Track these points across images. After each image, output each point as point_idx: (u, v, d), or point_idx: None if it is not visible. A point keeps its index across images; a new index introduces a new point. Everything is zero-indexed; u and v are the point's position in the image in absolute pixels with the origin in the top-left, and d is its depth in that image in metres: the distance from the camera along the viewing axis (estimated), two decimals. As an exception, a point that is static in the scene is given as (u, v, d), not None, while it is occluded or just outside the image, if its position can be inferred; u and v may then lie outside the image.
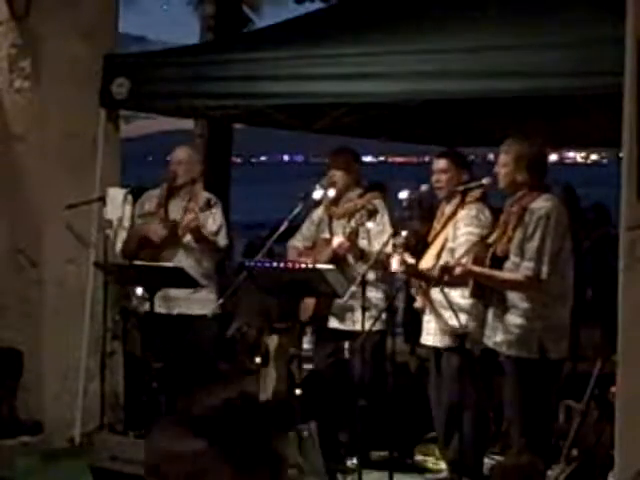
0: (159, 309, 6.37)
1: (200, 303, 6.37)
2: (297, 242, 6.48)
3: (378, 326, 5.92)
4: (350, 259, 6.08)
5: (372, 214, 5.84)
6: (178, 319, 6.43)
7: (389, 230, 5.95)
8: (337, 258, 5.98)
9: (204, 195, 6.47)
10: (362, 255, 6.03)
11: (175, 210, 6.52)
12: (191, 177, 6.55)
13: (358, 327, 5.92)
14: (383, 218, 6.11)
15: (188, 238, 6.37)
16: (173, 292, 6.38)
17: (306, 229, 6.49)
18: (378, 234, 6.00)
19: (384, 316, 5.99)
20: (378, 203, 6.04)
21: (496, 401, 5.90)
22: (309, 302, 6.20)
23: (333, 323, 6.25)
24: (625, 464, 4.25)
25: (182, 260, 6.33)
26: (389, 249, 5.80)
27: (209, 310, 6.27)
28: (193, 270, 6.29)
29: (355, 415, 5.60)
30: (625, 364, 4.31)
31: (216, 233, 6.42)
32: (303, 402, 5.79)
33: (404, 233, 5.63)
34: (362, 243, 6.06)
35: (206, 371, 6.45)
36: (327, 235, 6.33)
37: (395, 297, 6.28)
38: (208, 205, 6.21)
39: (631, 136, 4.26)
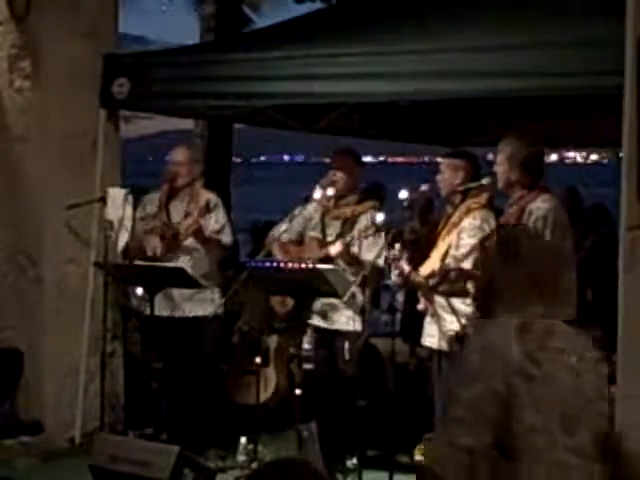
0: (162, 312, 6.38)
1: (203, 304, 6.38)
2: (283, 233, 6.39)
3: (360, 327, 5.90)
4: (341, 264, 6.05)
5: (378, 231, 5.84)
6: (180, 320, 6.44)
7: (382, 242, 5.94)
8: (328, 260, 5.97)
9: (204, 196, 6.48)
10: (353, 262, 6.02)
11: (176, 212, 6.52)
12: (192, 177, 6.56)
13: (341, 327, 5.96)
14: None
15: (189, 241, 6.37)
16: (176, 293, 6.38)
17: (296, 222, 6.42)
18: (372, 246, 5.99)
19: (368, 316, 5.99)
20: (380, 216, 6.00)
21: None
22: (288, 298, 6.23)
23: (316, 321, 6.24)
24: (625, 464, 4.25)
25: (185, 262, 6.34)
26: (381, 263, 5.83)
27: (211, 310, 6.29)
28: (195, 272, 6.30)
29: (355, 415, 5.60)
30: (625, 364, 4.30)
31: (219, 232, 6.43)
32: (303, 402, 5.79)
33: (397, 246, 5.62)
34: (353, 250, 6.05)
35: (207, 372, 6.45)
36: (318, 234, 6.30)
37: (395, 297, 6.29)
38: (207, 209, 6.22)
39: (631, 136, 4.26)
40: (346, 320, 6.10)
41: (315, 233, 6.32)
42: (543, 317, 2.85)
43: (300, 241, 6.41)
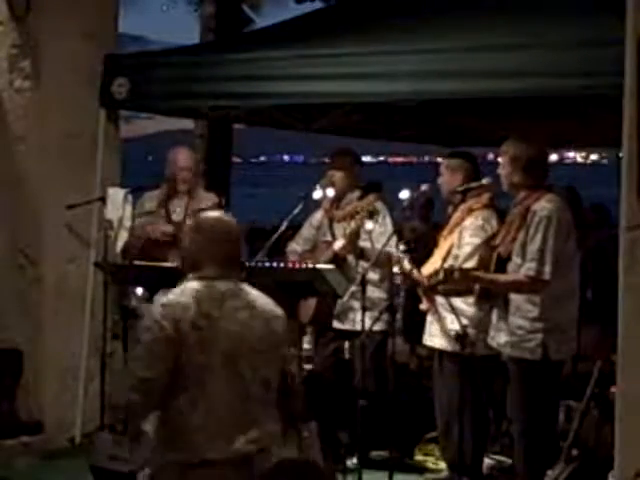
0: None
1: None
2: (297, 246, 6.48)
3: (380, 326, 5.93)
4: (350, 259, 6.09)
5: (372, 214, 5.87)
6: None
7: (390, 228, 5.98)
8: (338, 259, 5.99)
9: (206, 196, 6.54)
10: (362, 254, 6.05)
11: (177, 211, 6.54)
12: (195, 182, 6.59)
13: (359, 327, 5.95)
14: (385, 220, 6.13)
15: None
16: None
17: (306, 232, 6.50)
18: (380, 235, 6.01)
19: (386, 316, 5.99)
20: (379, 205, 6.07)
21: (496, 401, 5.90)
22: (310, 303, 6.20)
23: (335, 323, 6.26)
24: (625, 464, 4.25)
25: None
26: (393, 249, 5.83)
27: None
28: None
29: (355, 415, 5.60)
30: (625, 364, 4.30)
31: None
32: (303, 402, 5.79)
33: (402, 247, 5.63)
34: (364, 245, 6.07)
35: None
36: (329, 238, 6.34)
37: (396, 296, 6.29)
38: (219, 207, 6.27)
39: (631, 136, 4.25)
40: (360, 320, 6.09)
41: (326, 238, 6.37)
42: (227, 280, 3.73)
43: (314, 249, 6.46)
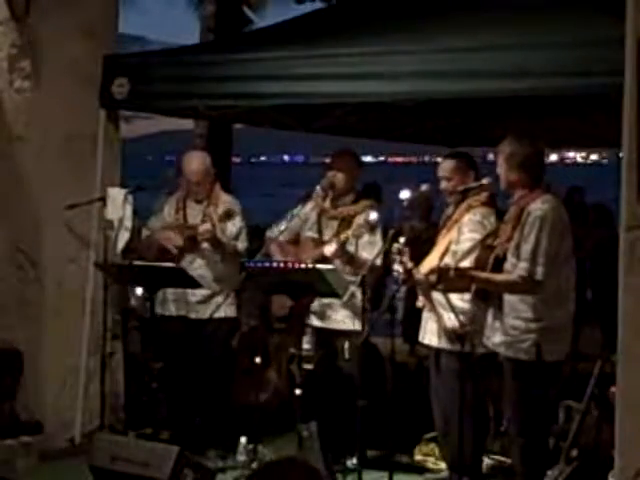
0: (179, 312, 6.44)
1: (217, 306, 6.40)
2: (277, 234, 6.41)
3: (359, 326, 5.91)
4: (337, 263, 6.05)
5: (373, 229, 5.87)
6: (194, 321, 6.46)
7: (380, 243, 5.96)
8: (324, 261, 5.97)
9: (223, 199, 6.52)
10: (350, 260, 6.04)
11: (194, 214, 6.54)
12: (210, 187, 6.57)
13: (341, 327, 5.99)
14: (376, 229, 6.11)
15: (206, 244, 6.40)
16: (190, 295, 6.40)
17: (292, 223, 6.42)
18: (369, 245, 6.01)
19: (372, 317, 6.00)
20: (373, 215, 6.04)
21: (496, 401, 5.90)
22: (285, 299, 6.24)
23: (313, 321, 6.25)
24: (625, 464, 4.25)
25: (201, 265, 6.38)
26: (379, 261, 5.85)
27: (227, 312, 6.35)
28: (211, 274, 6.35)
29: (355, 415, 5.60)
30: (625, 364, 4.30)
31: (236, 237, 6.45)
32: (303, 402, 5.79)
33: (402, 240, 5.63)
34: (350, 249, 6.06)
35: (212, 373, 6.45)
36: (315, 234, 6.31)
37: (394, 296, 6.28)
38: (227, 216, 6.27)
39: (631, 136, 4.25)
40: (342, 319, 6.11)
41: (312, 233, 6.33)
42: None
43: (296, 241, 6.42)
